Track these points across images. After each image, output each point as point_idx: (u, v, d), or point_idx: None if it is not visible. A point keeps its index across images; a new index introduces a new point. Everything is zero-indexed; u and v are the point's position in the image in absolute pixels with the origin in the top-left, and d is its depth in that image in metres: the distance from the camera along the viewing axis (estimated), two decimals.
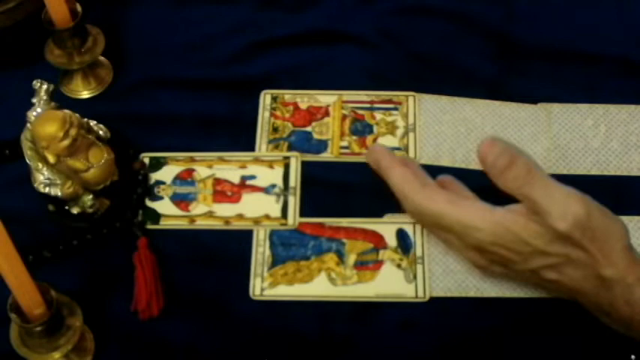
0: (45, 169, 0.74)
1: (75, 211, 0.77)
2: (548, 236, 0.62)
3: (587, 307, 0.67)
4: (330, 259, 0.77)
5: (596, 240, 0.61)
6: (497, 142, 0.64)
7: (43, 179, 0.74)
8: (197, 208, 0.79)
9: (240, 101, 0.86)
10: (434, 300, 0.75)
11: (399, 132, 0.84)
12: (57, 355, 0.67)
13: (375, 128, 0.84)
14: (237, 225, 0.79)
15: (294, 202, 0.80)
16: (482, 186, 0.80)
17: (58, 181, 0.74)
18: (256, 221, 0.79)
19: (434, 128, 0.84)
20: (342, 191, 0.81)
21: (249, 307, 0.75)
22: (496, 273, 0.69)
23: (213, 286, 0.75)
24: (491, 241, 0.64)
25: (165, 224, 0.79)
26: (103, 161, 0.75)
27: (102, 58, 0.87)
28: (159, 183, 0.81)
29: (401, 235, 0.77)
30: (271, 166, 0.82)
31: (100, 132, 0.76)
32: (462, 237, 0.66)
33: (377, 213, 0.79)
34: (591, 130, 0.83)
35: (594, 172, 0.81)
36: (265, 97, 0.86)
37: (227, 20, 0.92)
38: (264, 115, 0.85)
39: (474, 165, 0.82)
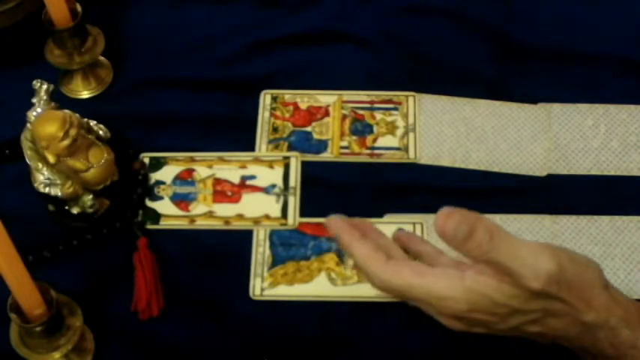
0: (45, 169, 0.74)
1: (75, 211, 0.77)
2: (523, 296, 0.60)
3: (573, 350, 0.66)
4: (330, 259, 0.77)
5: (572, 289, 0.60)
6: (452, 212, 0.60)
7: (43, 179, 0.74)
8: (197, 208, 0.79)
9: (240, 101, 0.86)
10: None
11: (399, 132, 0.84)
12: (57, 355, 0.67)
13: (375, 128, 0.84)
14: (237, 225, 0.79)
15: (294, 202, 0.80)
16: (483, 186, 0.80)
17: (58, 181, 0.74)
18: (256, 221, 0.79)
19: (434, 128, 0.84)
20: (342, 191, 0.81)
21: (249, 307, 0.75)
22: (477, 332, 0.67)
23: (213, 286, 0.75)
24: (467, 309, 0.62)
25: (165, 224, 0.79)
26: (103, 161, 0.75)
27: (102, 58, 0.87)
28: (159, 183, 0.81)
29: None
30: (271, 166, 0.82)
31: (100, 132, 0.76)
32: (436, 307, 0.63)
33: (377, 213, 0.79)
34: (591, 130, 0.83)
35: (594, 172, 0.81)
36: (265, 97, 0.86)
37: (227, 20, 0.92)
38: (264, 115, 0.85)
39: (474, 165, 0.82)
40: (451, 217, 0.60)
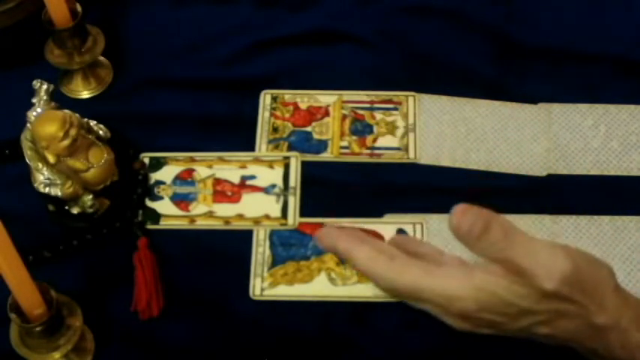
0: (45, 169, 0.74)
1: (75, 211, 0.77)
2: (535, 296, 0.59)
3: (582, 352, 0.65)
4: (330, 259, 0.77)
5: (585, 291, 0.59)
6: (468, 209, 0.60)
7: (43, 179, 0.74)
8: (197, 208, 0.79)
9: (240, 101, 0.86)
10: None
11: (399, 132, 0.84)
12: (57, 355, 0.67)
13: (375, 128, 0.84)
14: (237, 225, 0.79)
15: (294, 202, 0.80)
16: (483, 186, 0.80)
17: (58, 181, 0.74)
18: (256, 221, 0.79)
19: (434, 128, 0.84)
20: (342, 191, 0.81)
21: (249, 307, 0.75)
22: (485, 333, 0.66)
23: (213, 286, 0.75)
24: (476, 309, 0.60)
25: (165, 224, 0.79)
26: (103, 161, 0.75)
27: (102, 58, 0.87)
28: (159, 183, 0.81)
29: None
30: (271, 166, 0.82)
31: (100, 132, 0.76)
32: (444, 307, 0.62)
33: (377, 213, 0.79)
34: (591, 130, 0.83)
35: (594, 172, 0.81)
36: (265, 97, 0.86)
37: (227, 20, 0.92)
38: (264, 115, 0.85)
39: (474, 165, 0.82)
40: (466, 213, 0.60)
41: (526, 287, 0.59)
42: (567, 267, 0.58)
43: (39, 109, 0.73)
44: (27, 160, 0.75)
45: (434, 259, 0.68)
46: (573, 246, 0.61)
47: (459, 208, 0.60)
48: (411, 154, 0.82)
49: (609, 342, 0.61)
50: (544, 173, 0.81)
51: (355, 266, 0.65)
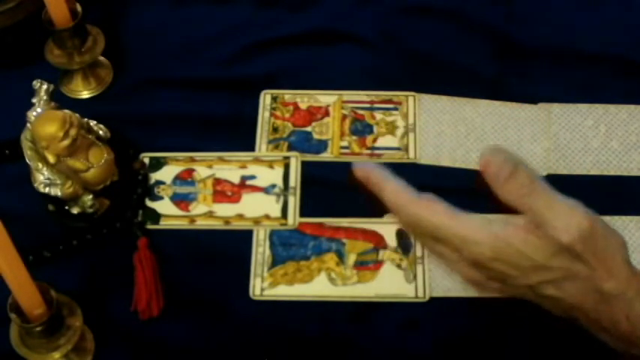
0: (45, 169, 0.74)
1: (75, 211, 0.77)
2: (549, 250, 0.60)
3: (585, 324, 0.65)
4: (330, 259, 0.77)
5: (597, 253, 0.60)
6: (499, 150, 0.62)
7: (43, 179, 0.74)
8: (197, 208, 0.79)
9: (240, 101, 0.86)
10: (434, 300, 0.75)
11: (399, 132, 0.84)
12: (57, 355, 0.67)
13: (375, 128, 0.84)
14: (237, 225, 0.79)
15: (294, 202, 0.80)
16: None
17: (58, 181, 0.74)
18: (256, 221, 0.79)
19: (434, 128, 0.84)
20: (342, 191, 0.80)
21: (249, 307, 0.75)
22: (492, 289, 0.67)
23: (213, 286, 0.75)
24: (491, 257, 0.62)
25: (165, 224, 0.79)
26: (103, 161, 0.75)
27: (102, 58, 0.87)
28: (159, 183, 0.81)
29: (401, 235, 0.77)
30: (271, 166, 0.82)
31: (100, 132, 0.76)
32: (460, 251, 0.64)
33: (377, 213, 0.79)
34: (591, 130, 0.83)
35: (594, 172, 0.81)
36: (265, 97, 0.86)
37: (227, 20, 0.92)
38: (264, 115, 0.85)
39: (474, 165, 0.81)
40: (497, 154, 0.61)
41: (542, 240, 0.60)
42: (585, 224, 0.59)
43: (39, 109, 0.73)
44: (27, 160, 0.75)
45: None
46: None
47: (490, 149, 0.62)
48: (411, 154, 0.82)
49: (614, 312, 0.62)
50: (544, 173, 0.81)
51: (383, 197, 0.67)
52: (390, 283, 0.75)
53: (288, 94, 0.86)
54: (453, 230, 0.63)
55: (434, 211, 0.64)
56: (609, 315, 0.62)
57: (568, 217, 0.60)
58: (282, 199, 0.80)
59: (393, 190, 0.66)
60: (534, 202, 0.60)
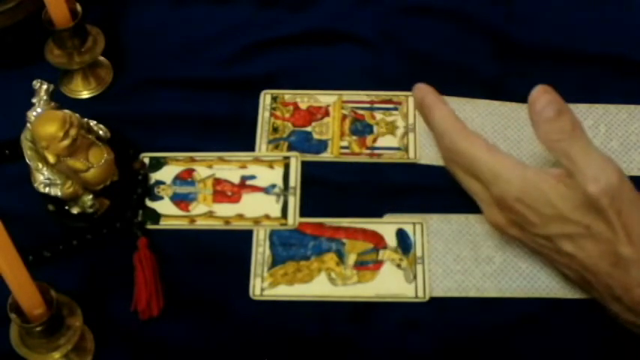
0: (45, 169, 0.74)
1: (75, 211, 0.77)
2: (575, 200, 0.61)
3: (596, 291, 0.65)
4: (330, 259, 0.77)
5: (621, 214, 0.61)
6: (549, 91, 0.64)
7: (43, 179, 0.74)
8: (197, 208, 0.79)
9: (240, 101, 0.86)
10: (434, 300, 0.75)
11: (399, 132, 0.84)
12: (57, 355, 0.67)
13: (375, 128, 0.84)
14: (237, 225, 0.79)
15: (294, 202, 0.80)
16: None
17: (58, 181, 0.74)
18: (256, 221, 0.79)
19: None
20: (342, 191, 0.81)
21: (249, 307, 0.75)
22: (512, 235, 0.68)
23: (213, 286, 0.75)
24: (517, 197, 0.63)
25: (165, 224, 0.79)
26: (103, 161, 0.75)
27: (102, 58, 0.87)
28: (159, 183, 0.81)
29: (401, 235, 0.77)
30: (271, 166, 0.82)
31: (100, 132, 0.76)
32: (489, 186, 0.66)
33: (377, 213, 0.79)
34: (591, 130, 0.83)
35: None
36: (265, 97, 0.86)
37: (227, 20, 0.92)
38: (264, 115, 0.85)
39: None
40: (546, 93, 0.63)
41: (570, 190, 0.61)
42: (615, 179, 0.60)
43: (39, 109, 0.73)
44: (27, 160, 0.75)
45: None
46: None
47: (540, 88, 0.64)
48: (411, 154, 0.82)
49: (628, 278, 0.62)
50: None
51: (430, 121, 0.70)
52: (390, 283, 0.75)
53: (288, 94, 0.86)
54: (487, 164, 0.65)
55: (474, 144, 0.67)
56: (623, 281, 0.62)
57: (600, 169, 0.60)
58: (282, 199, 0.80)
59: (442, 116, 0.69)
60: (571, 147, 0.62)
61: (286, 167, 0.82)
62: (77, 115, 0.73)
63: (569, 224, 0.62)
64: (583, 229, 0.62)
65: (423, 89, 0.73)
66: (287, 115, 0.85)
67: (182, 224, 0.79)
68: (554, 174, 0.64)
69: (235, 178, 0.81)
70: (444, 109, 0.70)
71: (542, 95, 0.64)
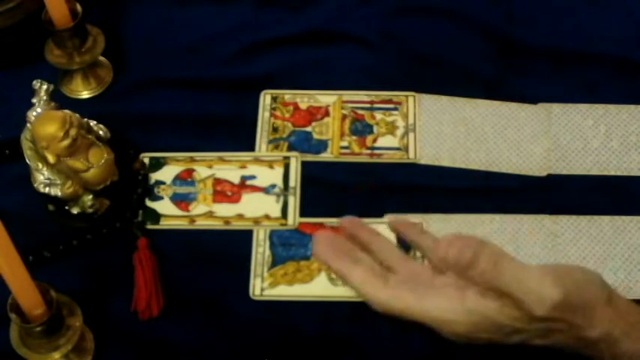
0: (45, 169, 0.74)
1: (75, 211, 0.77)
2: (526, 319, 0.60)
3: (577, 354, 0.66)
4: None
5: (577, 312, 0.60)
6: (456, 238, 0.60)
7: (43, 179, 0.74)
8: (197, 208, 0.79)
9: (240, 101, 0.86)
10: None
11: (399, 132, 0.84)
12: (57, 355, 0.67)
13: (375, 128, 0.84)
14: (237, 225, 0.79)
15: (294, 202, 0.80)
16: (483, 186, 0.80)
17: (58, 181, 0.74)
18: (256, 221, 0.79)
19: (434, 128, 0.84)
20: (342, 191, 0.80)
21: (249, 307, 0.75)
22: (481, 343, 0.67)
23: (213, 286, 0.75)
24: (468, 330, 0.61)
25: (165, 224, 0.79)
26: (103, 161, 0.75)
27: (102, 58, 0.87)
28: (159, 183, 0.81)
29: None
30: (271, 166, 0.82)
31: (100, 132, 0.76)
32: (438, 329, 0.63)
33: (377, 213, 0.79)
34: (591, 130, 0.83)
35: (594, 172, 0.81)
36: (265, 97, 0.86)
37: (227, 20, 0.92)
38: (264, 115, 0.85)
39: (474, 165, 0.82)
40: (454, 243, 0.60)
41: (517, 310, 0.60)
42: (557, 294, 0.59)
43: (39, 109, 0.73)
44: (27, 160, 0.75)
45: (430, 252, 0.67)
46: (563, 265, 0.62)
47: (446, 238, 0.60)
48: (411, 154, 0.82)
49: (601, 352, 0.62)
50: (544, 173, 0.81)
51: (349, 286, 0.65)
52: None
53: (288, 94, 0.86)
54: (425, 314, 0.62)
55: (401, 299, 0.63)
56: (597, 354, 0.62)
57: (539, 291, 0.59)
58: (282, 199, 0.80)
59: (357, 281, 0.64)
60: (502, 284, 0.59)
61: (286, 167, 0.82)
62: (77, 115, 0.73)
63: (530, 332, 0.61)
64: (545, 331, 0.61)
65: (324, 254, 0.65)
66: (287, 115, 0.85)
67: (182, 224, 0.79)
68: (495, 296, 0.60)
69: (235, 178, 0.81)
70: (356, 272, 0.64)
71: (449, 247, 0.60)
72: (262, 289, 0.75)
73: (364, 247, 0.67)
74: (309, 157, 0.82)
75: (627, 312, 0.62)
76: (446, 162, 0.82)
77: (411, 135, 0.83)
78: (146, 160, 0.82)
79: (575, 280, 0.60)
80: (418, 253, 0.72)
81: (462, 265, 0.60)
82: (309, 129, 0.84)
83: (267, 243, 0.78)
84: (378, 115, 0.85)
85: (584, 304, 0.60)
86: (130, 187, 0.79)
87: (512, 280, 0.59)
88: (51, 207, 0.78)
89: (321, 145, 0.83)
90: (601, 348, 0.61)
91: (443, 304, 0.62)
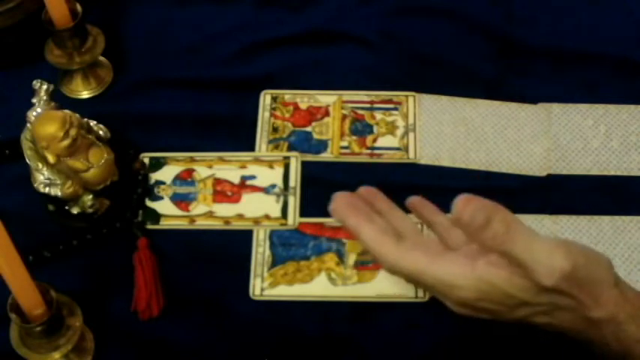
0: (45, 169, 0.74)
1: (75, 211, 0.77)
2: (534, 289, 0.60)
3: (579, 340, 0.66)
4: (330, 259, 0.77)
5: (583, 287, 0.60)
6: (472, 199, 0.60)
7: (43, 179, 0.74)
8: (197, 208, 0.79)
9: (240, 101, 0.86)
10: (434, 300, 0.74)
11: (399, 132, 0.84)
12: (57, 355, 0.67)
13: (375, 128, 0.84)
14: (237, 225, 0.79)
15: (294, 202, 0.80)
16: (483, 186, 0.80)
17: (58, 181, 0.74)
18: (256, 221, 0.79)
19: (434, 128, 0.84)
20: (342, 191, 0.80)
21: (249, 307, 0.75)
22: (483, 318, 0.67)
23: (213, 286, 0.75)
24: (476, 298, 0.61)
25: (165, 224, 0.79)
26: (103, 161, 0.75)
27: (102, 58, 0.87)
28: (159, 183, 0.81)
29: None
30: (271, 166, 0.82)
31: (100, 132, 0.76)
32: (444, 294, 0.63)
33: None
34: (591, 130, 0.83)
35: (594, 172, 0.81)
36: (265, 97, 0.86)
37: (227, 20, 0.92)
38: (264, 115, 0.85)
39: (474, 165, 0.82)
40: (470, 203, 0.60)
41: (526, 280, 0.60)
42: (566, 265, 0.59)
43: (39, 109, 0.73)
44: (27, 160, 0.75)
45: (445, 231, 0.69)
46: (574, 241, 0.62)
47: (463, 198, 0.61)
48: (411, 154, 0.82)
49: (604, 335, 0.62)
50: (544, 173, 0.81)
51: (362, 243, 0.66)
52: (390, 283, 0.75)
53: (288, 94, 0.86)
54: (434, 276, 0.62)
55: (412, 259, 0.63)
56: (600, 337, 0.62)
57: (549, 261, 0.59)
58: (282, 199, 0.80)
59: (370, 239, 0.64)
60: (512, 249, 0.59)
61: (286, 167, 0.82)
62: (77, 115, 0.73)
63: (535, 306, 0.61)
64: (550, 306, 0.61)
65: (341, 209, 0.66)
66: (287, 115, 0.85)
67: (182, 224, 0.79)
68: (504, 264, 0.61)
69: (235, 178, 0.81)
70: (369, 229, 0.64)
71: (465, 206, 0.60)
72: (262, 289, 0.75)
73: (380, 214, 0.68)
74: (309, 157, 0.82)
75: (632, 298, 0.62)
76: (446, 162, 0.82)
77: (411, 135, 0.83)
78: (146, 160, 0.82)
79: (586, 255, 0.61)
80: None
81: (475, 225, 0.60)
82: (309, 129, 0.84)
83: (267, 243, 0.78)
84: (378, 115, 0.85)
85: (592, 281, 0.60)
86: (130, 187, 0.79)
87: (522, 247, 0.59)
88: (51, 207, 0.78)
89: (321, 145, 0.83)
90: (605, 331, 0.61)
91: (454, 269, 0.62)
